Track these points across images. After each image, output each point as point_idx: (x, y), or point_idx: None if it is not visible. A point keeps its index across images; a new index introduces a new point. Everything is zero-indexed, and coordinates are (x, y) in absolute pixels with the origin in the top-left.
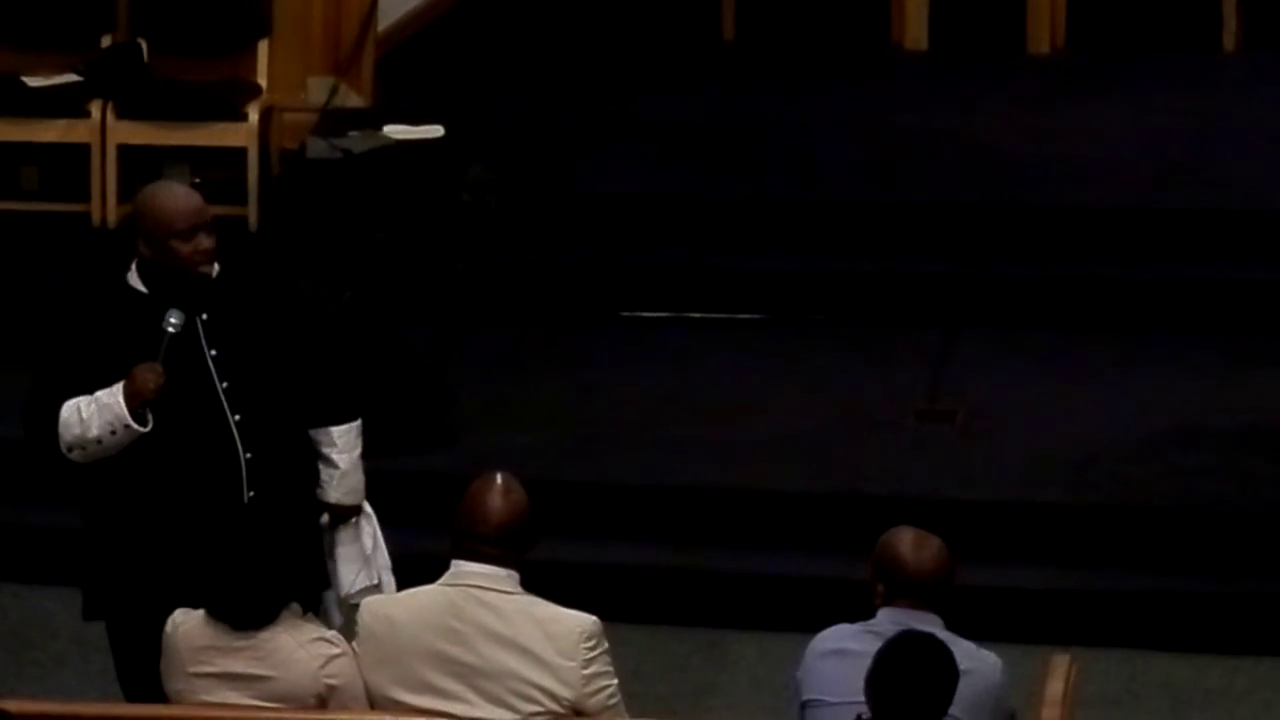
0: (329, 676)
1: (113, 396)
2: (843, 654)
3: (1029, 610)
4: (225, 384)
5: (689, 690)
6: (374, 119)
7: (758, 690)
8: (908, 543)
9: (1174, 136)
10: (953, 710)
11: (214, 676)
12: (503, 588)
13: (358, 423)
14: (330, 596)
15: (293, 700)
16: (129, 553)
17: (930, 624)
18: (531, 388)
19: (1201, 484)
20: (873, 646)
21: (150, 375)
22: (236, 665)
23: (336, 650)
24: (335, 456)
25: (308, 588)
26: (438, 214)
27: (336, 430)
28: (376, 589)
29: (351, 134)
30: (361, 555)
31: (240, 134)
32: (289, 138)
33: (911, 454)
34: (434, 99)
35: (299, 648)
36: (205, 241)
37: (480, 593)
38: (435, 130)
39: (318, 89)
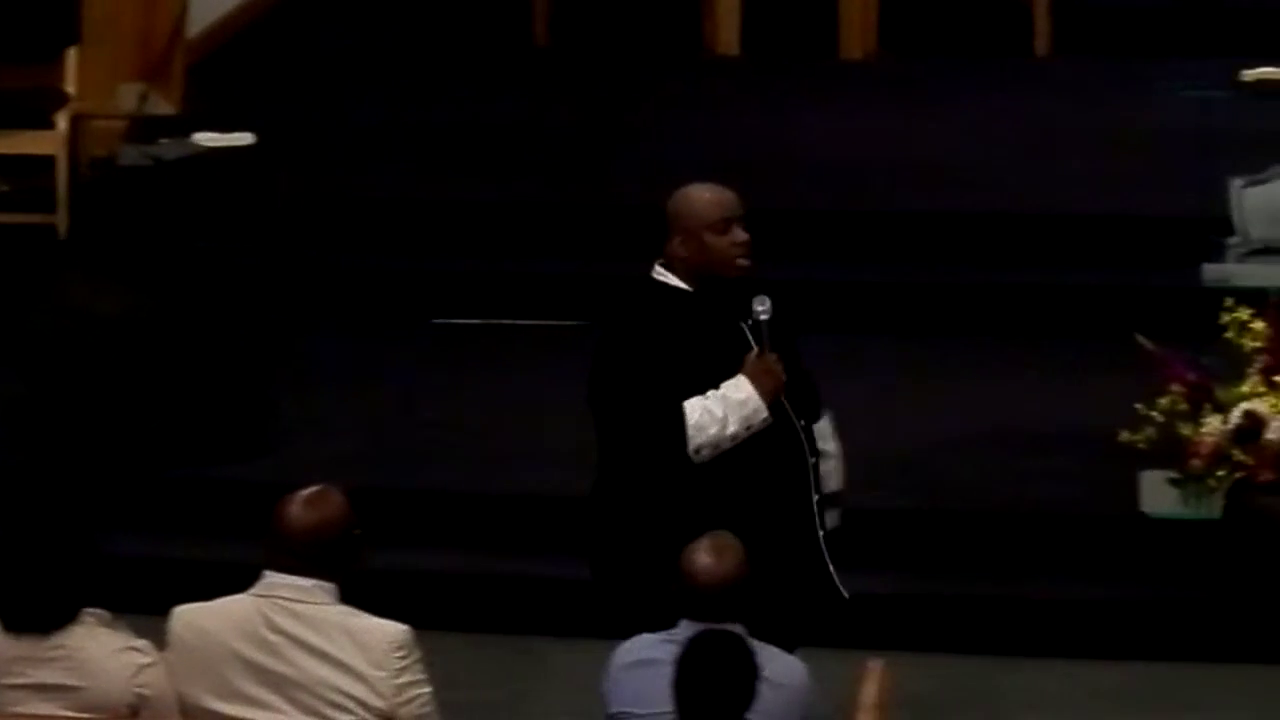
0: (140, 686)
1: (741, 392)
2: (646, 664)
3: (850, 614)
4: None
5: (506, 698)
6: (184, 126)
7: (575, 696)
8: (702, 554)
9: (986, 141)
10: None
11: (26, 688)
12: (313, 599)
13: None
14: None
15: (104, 710)
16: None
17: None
18: (351, 395)
19: (1038, 488)
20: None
21: (778, 364)
22: (48, 676)
23: (147, 660)
24: (829, 446)
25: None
26: (249, 222)
27: (825, 420)
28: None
29: (162, 141)
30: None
31: (49, 141)
32: (99, 145)
33: None
34: (244, 106)
35: (109, 657)
36: (740, 235)
37: (289, 604)
38: (245, 138)
39: (128, 96)
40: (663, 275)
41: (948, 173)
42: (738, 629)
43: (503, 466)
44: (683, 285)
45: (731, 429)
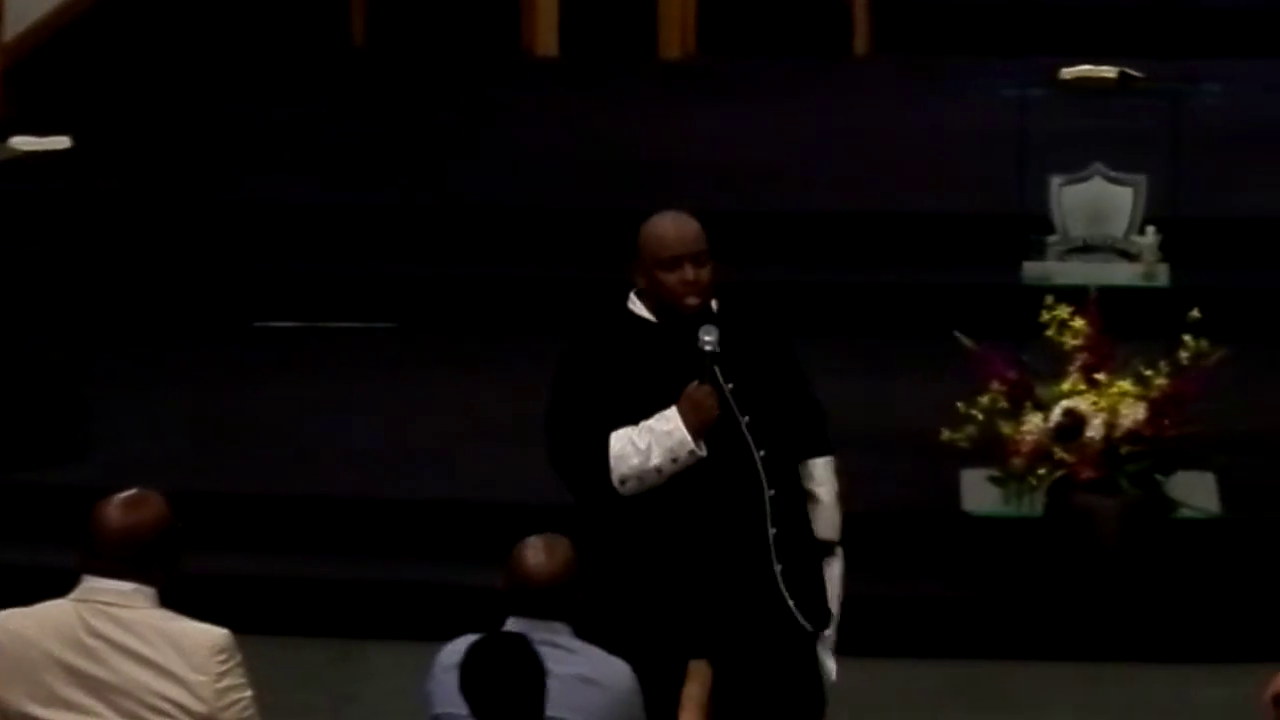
0: None
1: (668, 424)
2: None
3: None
4: (746, 418)
5: (327, 701)
6: (0, 130)
7: (397, 699)
8: (530, 551)
9: (807, 140)
10: None
11: None
12: (132, 603)
13: (832, 457)
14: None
15: None
16: (656, 588)
17: (557, 633)
18: (166, 399)
19: (858, 487)
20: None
21: (710, 398)
22: None
23: None
24: (819, 491)
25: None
26: (66, 225)
27: (820, 463)
28: None
29: None
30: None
31: None
32: None
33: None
34: (62, 109)
35: None
36: (689, 273)
37: (108, 608)
38: (62, 141)
39: None
40: (633, 304)
41: (766, 172)
42: (561, 627)
43: (320, 469)
44: (648, 316)
45: (655, 461)
